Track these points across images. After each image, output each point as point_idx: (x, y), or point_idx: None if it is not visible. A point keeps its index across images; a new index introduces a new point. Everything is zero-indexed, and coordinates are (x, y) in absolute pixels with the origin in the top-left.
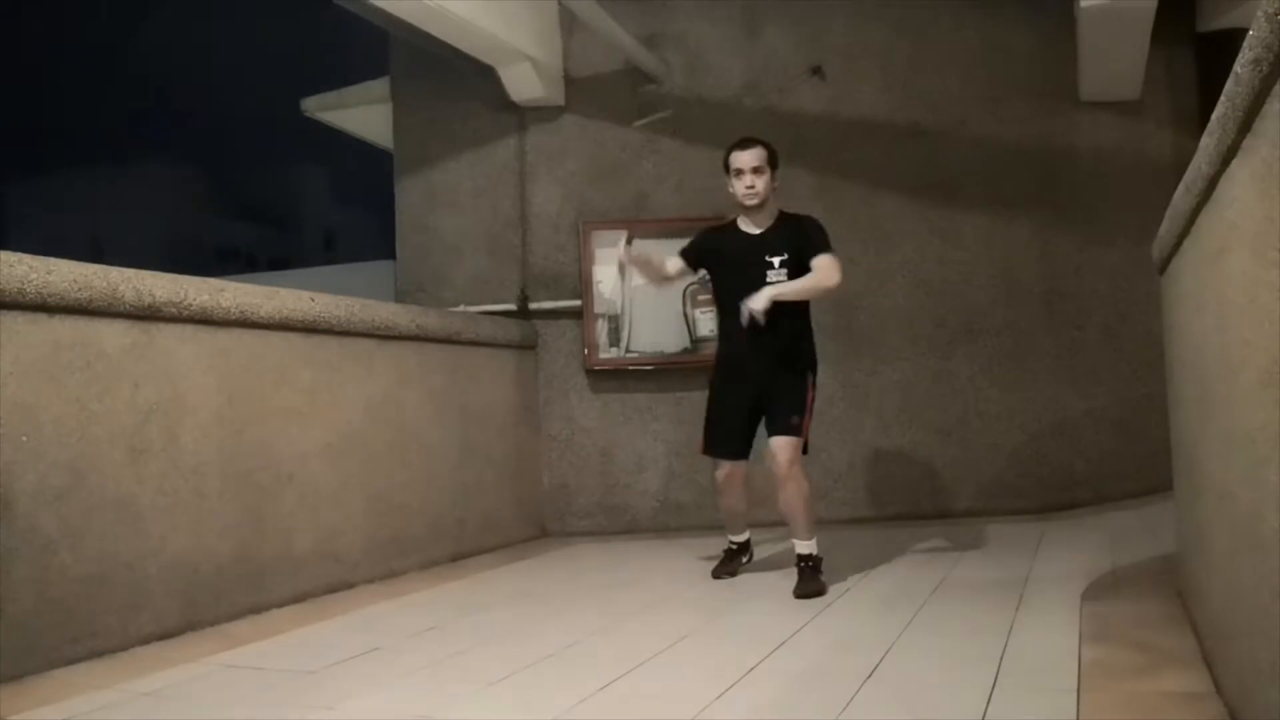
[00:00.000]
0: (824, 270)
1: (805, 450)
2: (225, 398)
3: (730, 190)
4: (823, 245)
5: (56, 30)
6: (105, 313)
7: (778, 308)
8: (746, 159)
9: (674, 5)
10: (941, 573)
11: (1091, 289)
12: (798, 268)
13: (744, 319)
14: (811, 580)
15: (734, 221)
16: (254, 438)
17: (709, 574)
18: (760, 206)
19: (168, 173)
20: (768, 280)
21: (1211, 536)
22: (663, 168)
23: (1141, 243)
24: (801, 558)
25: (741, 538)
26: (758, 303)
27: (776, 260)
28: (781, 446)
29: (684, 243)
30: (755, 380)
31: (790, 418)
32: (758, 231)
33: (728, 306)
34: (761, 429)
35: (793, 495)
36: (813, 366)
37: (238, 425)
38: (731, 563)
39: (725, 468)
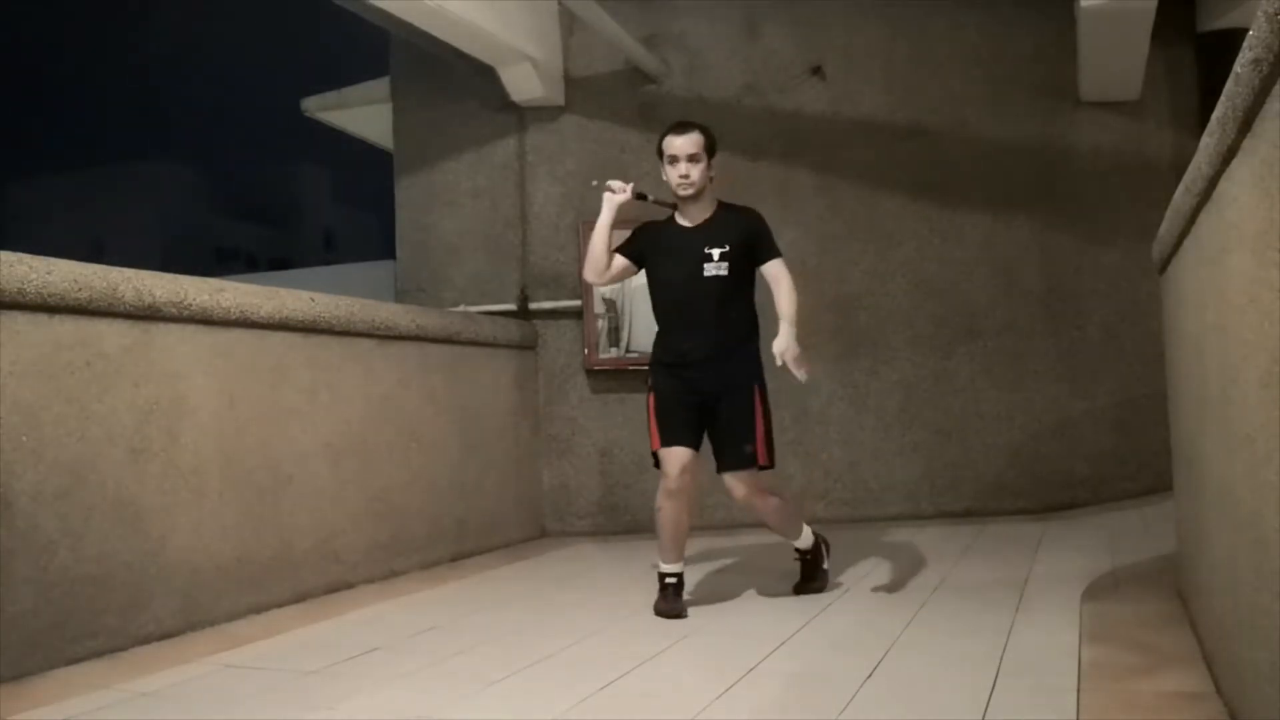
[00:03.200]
0: (786, 279)
1: (771, 464)
2: (225, 398)
3: (664, 178)
4: (774, 248)
5: (57, 30)
6: (105, 313)
7: (716, 299)
8: (681, 145)
9: (674, 5)
10: (941, 573)
11: (1091, 289)
12: (740, 262)
13: (799, 376)
14: (812, 578)
15: (671, 217)
16: (254, 438)
17: (653, 609)
18: (696, 197)
19: (168, 173)
20: (705, 273)
21: (1211, 536)
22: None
23: (1141, 243)
24: (800, 552)
25: (678, 567)
26: (792, 354)
27: (716, 252)
28: (738, 482)
29: None
30: (699, 382)
31: (743, 447)
32: (693, 224)
33: (664, 302)
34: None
35: (767, 516)
36: (759, 373)
37: (238, 425)
38: (676, 600)
39: (682, 457)
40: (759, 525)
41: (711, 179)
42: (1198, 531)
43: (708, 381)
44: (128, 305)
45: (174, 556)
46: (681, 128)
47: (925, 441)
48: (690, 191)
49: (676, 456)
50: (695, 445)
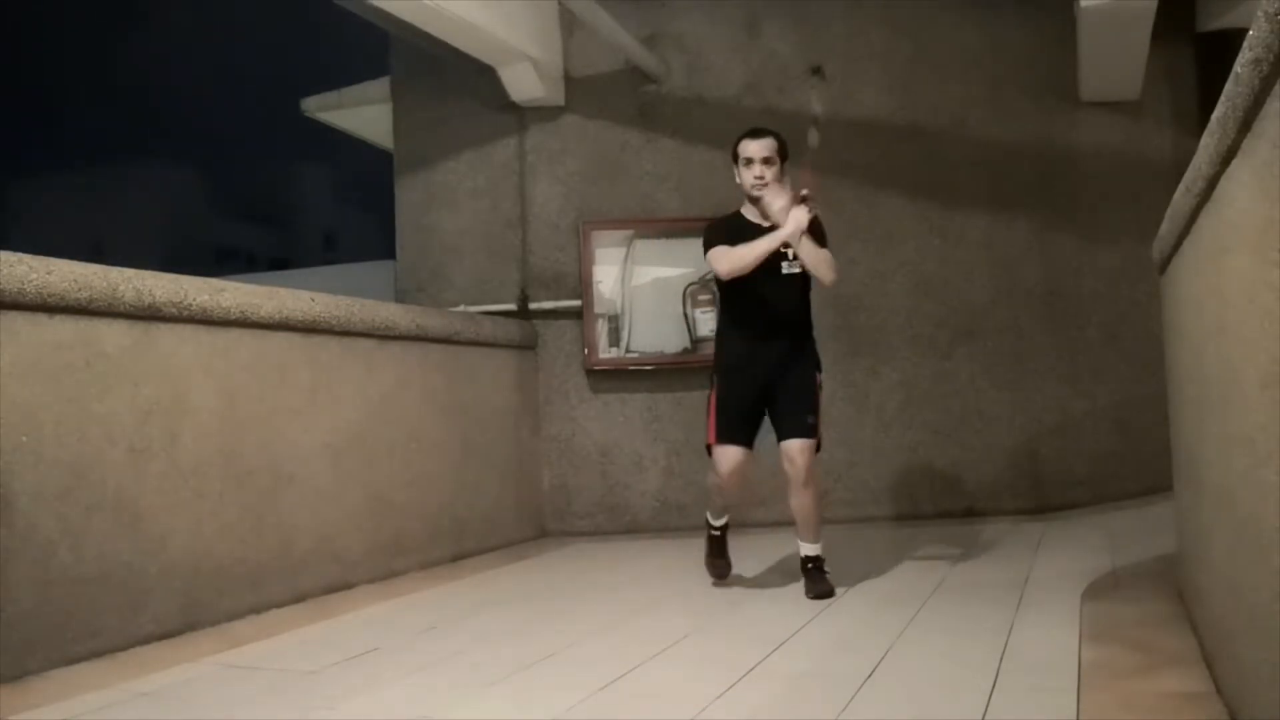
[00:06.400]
0: (831, 260)
1: (819, 450)
2: (225, 398)
3: (738, 180)
4: (825, 243)
5: (56, 30)
6: (105, 313)
7: (791, 295)
8: (757, 148)
9: (674, 5)
10: (941, 573)
11: (1091, 289)
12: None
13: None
14: (822, 581)
15: (738, 212)
16: (254, 438)
17: (707, 575)
18: None
19: (168, 173)
20: (782, 270)
21: (1211, 536)
22: (663, 168)
23: (1141, 243)
24: (810, 559)
25: (724, 520)
26: (793, 223)
27: (791, 250)
28: (800, 450)
29: (684, 244)
30: (764, 373)
31: (806, 417)
32: (768, 224)
33: (737, 298)
34: (766, 426)
35: (810, 500)
36: (819, 364)
37: (238, 425)
38: (723, 556)
39: (736, 457)
40: (763, 525)
41: (782, 181)
42: (1198, 531)
43: (773, 374)
44: (128, 305)
45: (174, 556)
46: (756, 133)
47: (925, 441)
48: (764, 193)
49: (730, 456)
50: (749, 444)
